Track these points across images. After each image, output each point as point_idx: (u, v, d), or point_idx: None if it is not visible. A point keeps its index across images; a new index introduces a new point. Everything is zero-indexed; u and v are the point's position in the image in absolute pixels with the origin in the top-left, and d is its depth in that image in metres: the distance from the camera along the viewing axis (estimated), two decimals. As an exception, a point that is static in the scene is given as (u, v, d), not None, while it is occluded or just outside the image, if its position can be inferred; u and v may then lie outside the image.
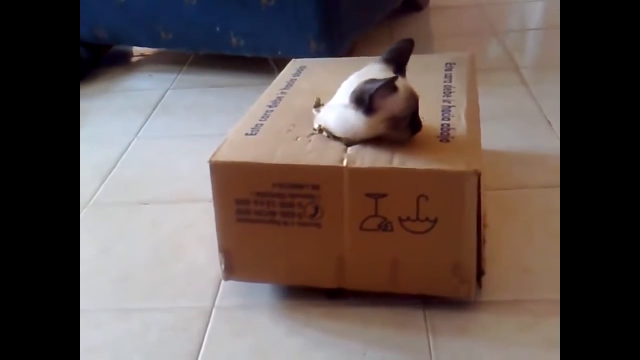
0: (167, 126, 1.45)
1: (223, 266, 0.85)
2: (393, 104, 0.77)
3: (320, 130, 0.83)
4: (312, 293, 0.86)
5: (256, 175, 0.80)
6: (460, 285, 0.79)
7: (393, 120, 0.78)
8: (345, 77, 0.83)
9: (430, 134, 0.81)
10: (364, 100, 0.77)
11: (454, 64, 1.03)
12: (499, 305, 0.83)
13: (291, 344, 0.80)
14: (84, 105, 1.48)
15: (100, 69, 1.78)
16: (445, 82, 0.97)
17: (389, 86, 0.76)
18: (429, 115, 0.83)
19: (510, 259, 0.90)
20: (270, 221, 0.80)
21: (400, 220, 0.77)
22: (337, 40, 1.50)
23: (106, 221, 1.10)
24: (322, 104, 0.88)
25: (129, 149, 1.34)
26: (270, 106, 0.93)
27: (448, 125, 0.83)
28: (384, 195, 0.77)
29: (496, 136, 1.15)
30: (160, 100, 1.58)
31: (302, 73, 1.06)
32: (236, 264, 0.85)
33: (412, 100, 0.78)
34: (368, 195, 0.77)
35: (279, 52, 1.52)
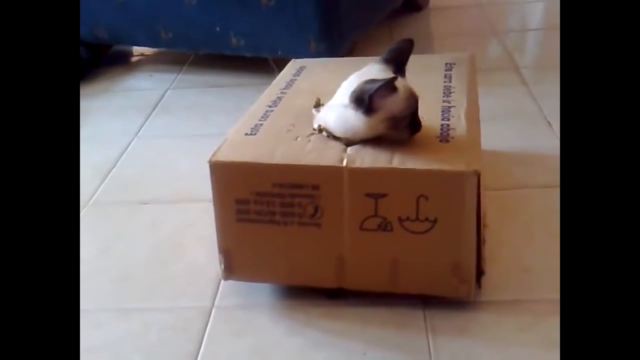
0: (167, 126, 1.45)
1: (223, 266, 0.85)
2: (393, 104, 0.77)
3: (320, 130, 0.83)
4: (312, 293, 0.86)
5: (256, 175, 0.80)
6: (460, 285, 0.79)
7: (393, 121, 0.78)
8: (345, 77, 0.83)
9: (430, 134, 0.81)
10: (363, 100, 0.77)
11: (454, 64, 1.03)
12: (498, 305, 0.83)
13: (291, 344, 0.80)
14: (84, 105, 1.48)
15: (101, 69, 1.78)
16: (445, 82, 0.97)
17: (389, 86, 0.76)
18: (429, 116, 0.83)
19: (510, 259, 0.90)
20: (270, 221, 0.80)
21: (400, 220, 0.77)
22: (337, 40, 1.50)
23: (106, 221, 1.10)
24: (322, 104, 0.88)
25: (129, 148, 1.34)
26: (270, 106, 0.93)
27: (448, 125, 0.83)
28: (383, 195, 0.77)
29: (496, 136, 1.15)
30: (160, 100, 1.58)
31: (302, 73, 1.06)
32: (236, 263, 0.85)
33: (412, 100, 0.78)
34: (368, 195, 0.77)
35: (279, 52, 1.52)
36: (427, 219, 0.77)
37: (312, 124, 0.85)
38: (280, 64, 1.14)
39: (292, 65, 1.10)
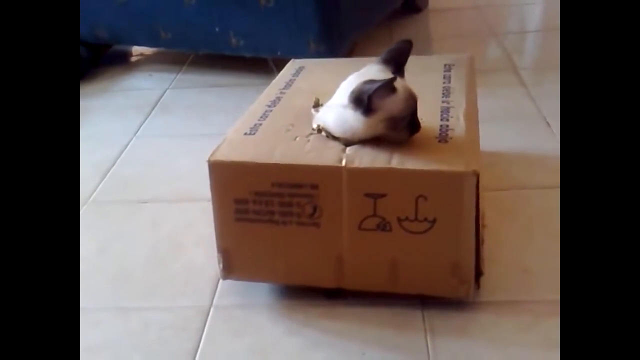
0: (166, 125, 1.45)
1: (221, 265, 0.85)
2: (392, 105, 0.77)
3: (319, 130, 0.84)
4: (311, 293, 0.86)
5: (255, 174, 0.80)
6: (459, 285, 0.80)
7: (392, 121, 0.78)
8: (344, 78, 0.83)
9: (429, 135, 0.81)
10: (362, 101, 0.77)
11: (453, 65, 1.03)
12: (498, 306, 0.83)
13: (290, 344, 0.80)
14: (84, 104, 1.48)
15: (100, 69, 1.79)
16: (444, 83, 0.97)
17: (388, 87, 0.76)
18: (428, 116, 0.83)
19: (510, 260, 0.90)
20: (269, 221, 0.80)
21: (399, 220, 0.78)
22: (336, 40, 1.50)
23: (105, 220, 1.10)
24: (321, 104, 0.88)
25: (128, 148, 1.34)
26: (269, 106, 0.93)
27: (447, 126, 0.83)
28: (382, 196, 0.77)
29: (495, 137, 1.15)
30: (159, 100, 1.58)
31: (301, 73, 1.06)
32: (235, 263, 0.85)
33: (411, 100, 0.78)
34: (367, 195, 0.77)
35: (279, 53, 1.52)
36: (426, 219, 0.77)
37: (311, 124, 0.85)
38: (280, 65, 1.14)
39: (292, 65, 1.10)
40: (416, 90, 0.79)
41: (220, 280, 0.89)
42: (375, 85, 0.75)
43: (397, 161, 0.77)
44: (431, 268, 0.80)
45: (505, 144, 1.21)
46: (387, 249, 0.80)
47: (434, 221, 0.77)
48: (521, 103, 1.40)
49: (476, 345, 0.77)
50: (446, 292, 0.81)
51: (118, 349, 0.81)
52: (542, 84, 1.51)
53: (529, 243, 0.94)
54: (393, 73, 0.79)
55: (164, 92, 1.63)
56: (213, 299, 0.88)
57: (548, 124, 1.29)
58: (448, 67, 1.02)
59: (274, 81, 1.03)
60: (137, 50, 1.94)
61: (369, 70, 0.81)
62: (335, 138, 0.82)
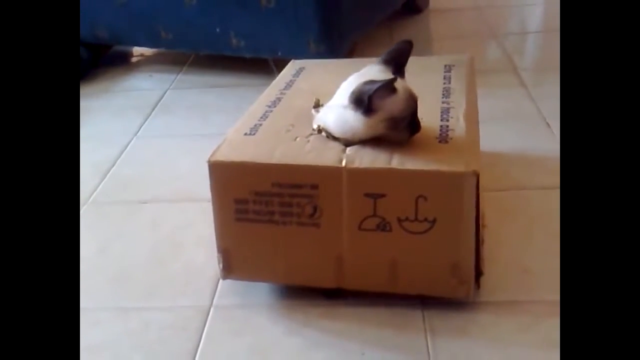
0: (166, 126, 1.45)
1: (221, 265, 0.85)
2: (392, 105, 0.77)
3: (320, 130, 0.84)
4: (311, 293, 0.86)
5: (255, 175, 0.80)
6: (458, 285, 0.80)
7: (392, 121, 0.78)
8: (344, 78, 0.83)
9: (429, 135, 0.81)
10: (363, 101, 0.77)
11: (453, 65, 1.03)
12: (497, 306, 0.83)
13: (290, 344, 0.80)
14: (85, 105, 1.48)
15: (101, 69, 1.79)
16: (444, 83, 0.97)
17: (388, 87, 0.76)
18: (428, 117, 0.83)
19: (509, 260, 0.90)
20: (269, 221, 0.80)
21: (399, 220, 0.78)
22: (337, 41, 1.50)
23: (105, 220, 1.10)
24: (322, 104, 0.88)
25: (128, 148, 1.34)
26: (269, 106, 0.93)
27: (447, 126, 0.83)
28: (382, 196, 0.77)
29: (495, 137, 1.15)
30: (160, 100, 1.58)
31: (302, 74, 1.06)
32: (235, 263, 0.85)
33: (411, 101, 0.78)
34: (367, 195, 0.77)
35: (279, 53, 1.52)
36: (426, 220, 0.77)
37: (311, 125, 0.85)
38: (280, 65, 1.14)
39: (292, 66, 1.10)
40: (416, 91, 0.79)
41: (220, 280, 0.89)
42: (376, 86, 0.75)
43: (397, 161, 0.77)
44: (431, 268, 0.80)
45: (505, 145, 1.21)
46: (387, 249, 0.80)
47: (434, 221, 0.77)
48: (521, 104, 1.40)
49: (476, 345, 0.77)
50: (446, 292, 0.81)
51: (118, 349, 0.81)
52: (542, 84, 1.52)
53: (528, 243, 0.94)
54: (393, 74, 0.79)
55: (165, 92, 1.63)
56: (213, 299, 0.88)
57: (548, 124, 1.29)
58: (448, 68, 1.02)
59: (274, 82, 1.03)
60: (137, 50, 1.95)
61: (369, 71, 0.81)
62: (335, 138, 0.82)
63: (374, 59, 0.84)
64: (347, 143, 0.80)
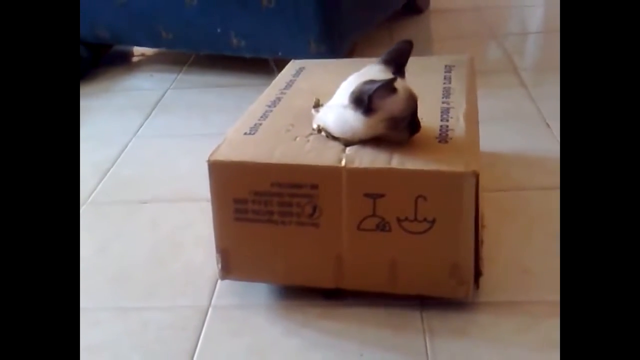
0: (166, 125, 1.45)
1: (220, 265, 0.85)
2: (392, 105, 0.77)
3: (319, 130, 0.84)
4: (310, 293, 0.86)
5: (255, 174, 0.80)
6: (458, 286, 0.79)
7: (392, 121, 0.78)
8: (344, 78, 0.83)
9: (429, 135, 0.81)
10: (363, 101, 0.77)
11: (454, 66, 1.03)
12: (497, 306, 0.83)
13: (288, 345, 0.80)
14: (85, 104, 1.48)
15: (101, 69, 1.79)
16: (444, 83, 0.97)
17: (388, 87, 0.76)
18: (428, 117, 0.83)
19: (509, 260, 0.90)
20: (268, 221, 0.80)
21: (399, 220, 0.77)
22: (337, 41, 1.50)
23: (105, 220, 1.10)
24: (322, 104, 0.88)
25: (128, 147, 1.34)
26: (269, 106, 0.93)
27: (447, 126, 0.83)
28: (382, 196, 0.77)
29: (495, 138, 1.15)
30: (160, 100, 1.58)
31: (302, 74, 1.06)
32: (233, 263, 0.85)
33: (411, 101, 0.78)
34: (366, 195, 0.77)
35: (280, 53, 1.52)
36: (425, 220, 0.77)
37: (311, 124, 0.85)
38: (281, 65, 1.14)
39: (292, 65, 1.10)
40: (416, 91, 0.79)
41: (219, 281, 0.89)
42: (376, 85, 0.75)
43: (397, 161, 0.77)
44: (430, 268, 0.80)
45: (505, 145, 1.21)
46: (387, 249, 0.79)
47: (433, 221, 0.77)
48: (521, 104, 1.40)
49: (475, 346, 0.77)
50: (445, 292, 0.81)
51: (117, 349, 0.81)
52: (542, 85, 1.51)
53: (528, 244, 0.94)
54: (393, 74, 0.79)
55: (165, 92, 1.63)
56: (212, 299, 0.88)
57: (548, 125, 1.29)
58: (448, 68, 1.02)
59: (274, 81, 1.03)
60: (138, 50, 1.95)
61: (370, 71, 0.81)
62: (335, 138, 0.81)
63: (374, 59, 0.84)
64: (347, 143, 0.80)
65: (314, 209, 0.79)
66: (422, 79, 0.88)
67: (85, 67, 1.73)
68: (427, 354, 0.76)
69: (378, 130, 0.79)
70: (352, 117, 0.79)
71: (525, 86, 1.49)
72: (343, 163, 0.77)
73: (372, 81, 0.77)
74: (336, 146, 0.80)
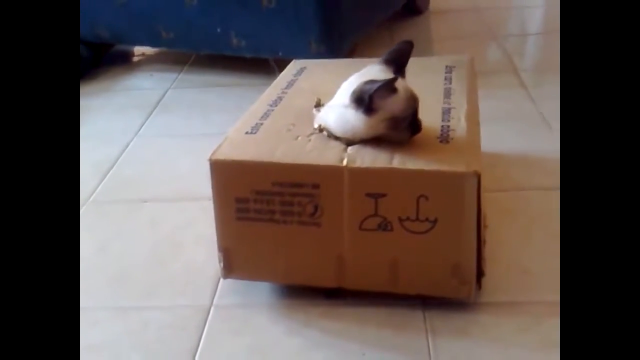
0: (167, 125, 1.45)
1: (222, 265, 0.85)
2: (393, 105, 0.77)
3: (321, 130, 0.84)
4: (311, 293, 0.86)
5: (256, 173, 0.80)
6: (460, 286, 0.79)
7: (393, 121, 0.78)
8: (345, 78, 0.83)
9: (430, 135, 0.81)
10: (364, 101, 0.77)
11: (454, 66, 1.03)
12: (498, 307, 0.83)
13: (290, 344, 0.80)
14: (85, 104, 1.48)
15: (102, 68, 1.79)
16: (445, 84, 0.97)
17: (389, 86, 0.76)
18: (429, 117, 0.83)
19: (510, 260, 0.90)
20: (270, 220, 0.80)
21: (400, 220, 0.78)
22: (337, 41, 1.50)
23: (105, 219, 1.10)
24: (323, 104, 0.88)
25: (129, 147, 1.34)
26: (270, 106, 0.93)
27: (448, 126, 0.83)
28: (383, 195, 0.77)
29: (496, 138, 1.15)
30: (160, 99, 1.58)
31: (303, 73, 1.06)
32: (235, 262, 0.85)
33: (412, 100, 0.78)
34: (368, 195, 0.77)
35: (280, 53, 1.52)
36: (427, 219, 0.77)
37: (312, 124, 0.85)
38: (281, 65, 1.14)
39: (293, 65, 1.10)
40: (417, 91, 0.79)
41: (221, 280, 0.89)
42: (377, 85, 0.75)
43: (398, 161, 0.77)
44: (432, 268, 0.80)
45: (506, 145, 1.21)
46: (388, 249, 0.80)
47: (435, 221, 0.77)
48: (521, 104, 1.40)
49: (477, 346, 0.77)
50: (447, 292, 0.81)
51: (117, 349, 0.81)
52: (542, 85, 1.52)
53: (528, 244, 0.94)
54: (394, 74, 0.79)
55: (165, 91, 1.63)
56: (213, 298, 0.88)
57: (548, 125, 1.29)
58: (449, 69, 1.02)
59: (275, 81, 1.03)
60: (139, 50, 1.95)
61: (370, 71, 0.81)
62: (336, 138, 0.82)
63: (374, 59, 0.84)
64: (348, 142, 0.80)
65: (316, 208, 0.79)
66: (423, 79, 0.88)
67: (86, 66, 1.73)
68: (429, 353, 0.76)
69: (379, 130, 0.79)
70: (353, 116, 0.79)
71: (525, 87, 1.49)
72: (345, 162, 0.77)
73: (372, 81, 0.77)
74: (337, 146, 0.80)
